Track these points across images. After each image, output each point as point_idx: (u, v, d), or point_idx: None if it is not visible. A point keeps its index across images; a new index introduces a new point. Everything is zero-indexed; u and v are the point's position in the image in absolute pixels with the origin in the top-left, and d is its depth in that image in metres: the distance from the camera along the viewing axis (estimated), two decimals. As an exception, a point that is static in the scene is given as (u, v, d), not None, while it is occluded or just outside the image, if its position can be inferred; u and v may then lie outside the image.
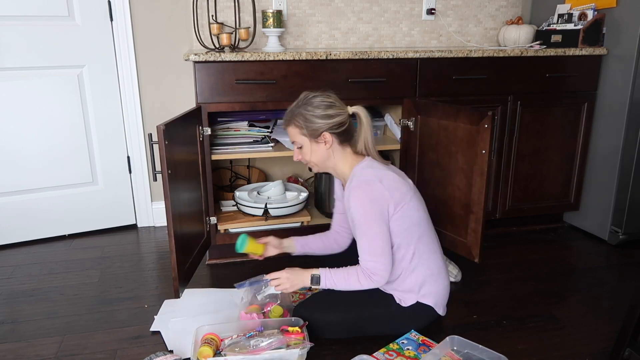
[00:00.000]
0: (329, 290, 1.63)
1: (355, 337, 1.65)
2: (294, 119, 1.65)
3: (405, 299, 1.63)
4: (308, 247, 1.91)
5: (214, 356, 1.46)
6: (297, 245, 1.90)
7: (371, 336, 1.65)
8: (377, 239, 1.55)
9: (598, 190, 2.47)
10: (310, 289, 1.84)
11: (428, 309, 1.64)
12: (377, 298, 1.65)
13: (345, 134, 1.65)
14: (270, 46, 2.27)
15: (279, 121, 2.48)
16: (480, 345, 1.51)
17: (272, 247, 1.88)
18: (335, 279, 1.58)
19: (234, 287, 1.98)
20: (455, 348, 1.55)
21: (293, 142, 1.70)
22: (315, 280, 1.59)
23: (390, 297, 1.65)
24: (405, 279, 1.62)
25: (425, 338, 1.64)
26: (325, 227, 2.28)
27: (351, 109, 1.65)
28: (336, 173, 1.73)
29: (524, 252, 2.36)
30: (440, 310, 1.68)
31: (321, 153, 1.66)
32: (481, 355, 1.50)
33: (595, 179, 2.49)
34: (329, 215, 2.34)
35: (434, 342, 1.61)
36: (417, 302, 1.63)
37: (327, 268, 1.62)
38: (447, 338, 1.54)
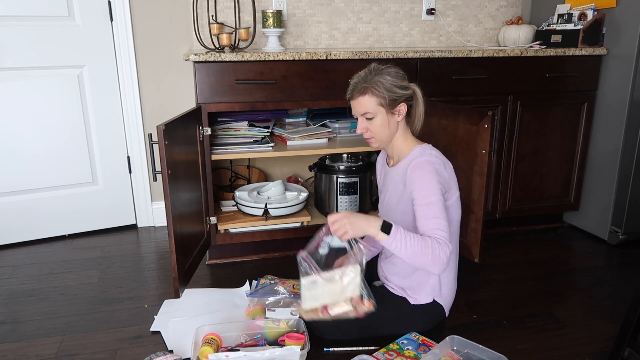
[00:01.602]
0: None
1: (362, 337, 1.64)
2: (372, 87, 1.53)
3: (421, 297, 1.63)
4: (374, 248, 1.86)
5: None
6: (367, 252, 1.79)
7: (381, 336, 1.64)
8: (443, 216, 1.48)
9: (598, 190, 2.47)
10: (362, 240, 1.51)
11: (439, 308, 1.66)
12: (389, 298, 1.65)
13: (411, 109, 1.61)
14: (270, 46, 2.27)
15: (287, 120, 2.48)
16: (480, 345, 1.51)
17: None
18: (407, 236, 1.42)
19: (233, 287, 2.00)
20: (455, 348, 1.55)
21: (363, 114, 1.57)
22: (386, 228, 1.41)
23: (403, 298, 1.65)
24: (430, 275, 1.62)
25: (425, 338, 1.64)
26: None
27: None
28: (393, 150, 1.66)
29: (524, 252, 2.36)
30: (447, 312, 1.71)
31: (392, 126, 1.59)
32: (481, 355, 1.50)
33: (595, 179, 2.49)
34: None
35: (434, 342, 1.61)
36: (433, 301, 1.63)
37: (405, 230, 1.45)
38: (447, 338, 1.54)
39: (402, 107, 1.57)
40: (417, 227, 1.52)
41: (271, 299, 1.75)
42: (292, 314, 1.63)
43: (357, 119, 1.62)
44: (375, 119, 1.57)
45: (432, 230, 1.47)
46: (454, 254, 1.70)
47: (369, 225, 1.43)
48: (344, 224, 1.42)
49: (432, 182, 1.51)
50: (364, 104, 1.56)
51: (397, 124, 1.60)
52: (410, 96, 1.59)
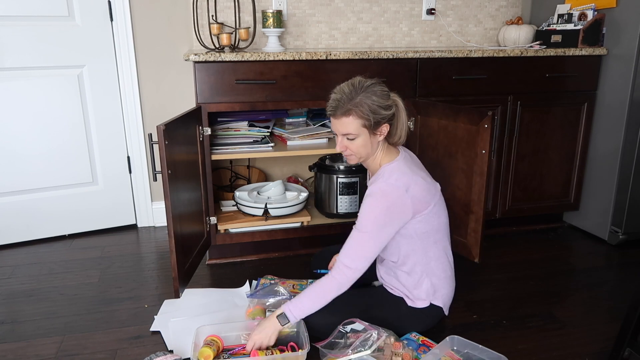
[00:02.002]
0: (340, 295, 1.60)
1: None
2: (356, 109, 1.48)
3: (418, 302, 1.64)
4: None
5: (214, 358, 1.46)
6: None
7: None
8: (370, 244, 1.51)
9: (598, 190, 2.47)
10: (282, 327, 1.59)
11: (438, 309, 1.66)
12: (388, 299, 1.65)
13: (392, 126, 1.58)
14: (270, 46, 2.27)
15: (287, 120, 2.48)
16: (480, 345, 1.51)
17: None
18: (301, 302, 1.52)
19: (233, 287, 2.00)
20: (455, 348, 1.55)
21: (345, 134, 1.53)
22: (282, 316, 1.51)
23: (401, 299, 1.65)
24: (421, 283, 1.63)
25: (425, 338, 1.64)
26: (326, 227, 2.29)
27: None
28: (369, 166, 1.65)
29: (524, 252, 2.36)
30: (446, 311, 1.70)
31: (373, 145, 1.56)
32: (481, 355, 1.50)
33: (595, 179, 2.49)
34: (329, 215, 2.35)
35: (434, 343, 1.61)
36: (430, 304, 1.64)
37: (289, 302, 1.55)
38: (447, 338, 1.54)
39: (385, 128, 1.55)
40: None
41: (271, 300, 1.75)
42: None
43: (335, 135, 1.58)
44: (356, 140, 1.53)
45: (345, 250, 1.54)
46: (444, 257, 1.66)
47: (273, 327, 1.51)
48: (256, 340, 1.50)
49: (378, 209, 1.51)
50: (347, 125, 1.51)
51: (378, 143, 1.58)
52: (392, 115, 1.55)
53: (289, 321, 1.52)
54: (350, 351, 1.48)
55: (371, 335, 1.50)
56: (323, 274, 1.77)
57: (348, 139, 1.54)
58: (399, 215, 1.52)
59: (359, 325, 1.57)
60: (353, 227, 1.57)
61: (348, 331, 1.55)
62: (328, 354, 1.50)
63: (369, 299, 1.66)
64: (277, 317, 1.52)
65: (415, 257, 1.61)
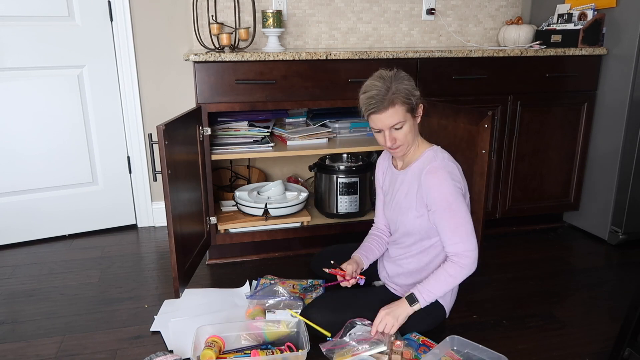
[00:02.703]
0: (339, 291, 1.60)
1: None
2: (398, 97, 1.49)
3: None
4: (372, 257, 1.83)
5: (216, 359, 1.46)
6: (364, 260, 1.81)
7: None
8: (465, 219, 1.53)
9: (598, 190, 2.47)
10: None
11: (440, 309, 1.66)
12: (390, 299, 1.65)
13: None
14: (270, 46, 2.27)
15: (287, 120, 2.48)
16: (480, 345, 1.51)
17: (355, 274, 1.76)
18: (430, 288, 1.54)
19: (233, 287, 2.00)
20: (455, 348, 1.55)
21: (393, 125, 1.52)
22: (415, 303, 1.54)
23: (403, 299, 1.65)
24: None
25: (425, 338, 1.64)
26: (326, 227, 2.29)
27: None
28: (409, 153, 1.64)
29: (524, 252, 2.36)
30: (448, 312, 1.71)
31: (416, 128, 1.59)
32: (481, 355, 1.50)
33: (595, 178, 2.49)
34: (329, 215, 2.35)
35: (434, 343, 1.61)
36: (435, 302, 1.63)
37: (417, 286, 1.56)
38: (447, 338, 1.53)
39: (420, 109, 1.59)
40: (440, 237, 1.57)
41: (271, 301, 1.75)
42: (292, 316, 1.63)
43: (377, 131, 1.56)
44: (403, 127, 1.54)
45: (450, 245, 1.54)
46: None
47: (403, 309, 1.55)
48: (388, 321, 1.53)
49: (449, 187, 1.52)
50: (394, 116, 1.51)
51: (416, 126, 1.61)
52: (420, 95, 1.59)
53: (418, 304, 1.54)
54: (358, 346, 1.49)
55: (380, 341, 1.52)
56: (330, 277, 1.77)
57: (395, 128, 1.54)
58: (462, 187, 1.56)
59: (361, 327, 1.57)
60: (438, 216, 1.54)
61: (355, 332, 1.55)
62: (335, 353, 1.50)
63: (370, 298, 1.66)
64: (406, 298, 1.55)
65: (438, 250, 1.63)
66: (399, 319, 1.53)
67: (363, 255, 1.80)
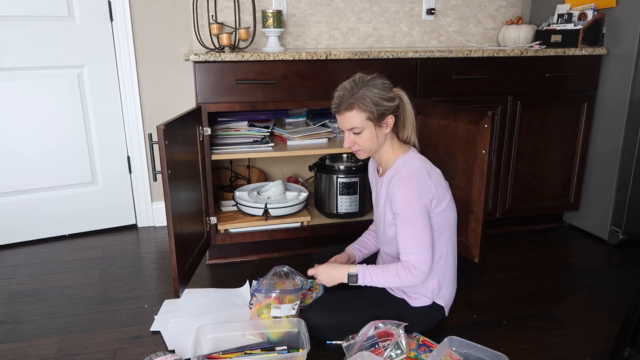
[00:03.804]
0: (339, 292, 1.61)
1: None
2: (358, 102, 1.51)
3: (421, 300, 1.64)
4: (366, 250, 1.87)
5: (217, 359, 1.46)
6: (357, 253, 1.85)
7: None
8: (422, 231, 1.52)
9: (598, 190, 2.47)
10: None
11: (439, 308, 1.66)
12: (388, 300, 1.65)
13: (398, 119, 1.61)
14: (270, 46, 2.27)
15: (287, 120, 2.48)
16: (479, 345, 1.51)
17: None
18: (373, 275, 1.56)
19: (233, 287, 2.00)
20: (454, 349, 1.55)
21: (350, 129, 1.55)
22: (352, 277, 1.57)
23: (402, 299, 1.65)
24: (429, 280, 1.62)
25: (425, 338, 1.64)
26: (326, 227, 2.29)
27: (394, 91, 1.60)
28: (381, 159, 1.66)
29: (524, 252, 2.36)
30: (447, 311, 1.70)
31: (380, 138, 1.58)
32: (480, 355, 1.50)
33: (595, 178, 2.49)
34: (329, 215, 2.35)
35: (434, 343, 1.61)
36: (432, 303, 1.64)
37: (364, 264, 1.60)
38: (446, 339, 1.53)
39: (390, 120, 1.57)
40: (398, 244, 1.57)
41: (273, 294, 1.74)
42: (293, 308, 1.64)
43: (343, 131, 1.60)
44: (363, 133, 1.55)
45: (404, 253, 1.55)
46: (452, 255, 1.68)
47: (341, 275, 1.59)
48: (321, 273, 1.62)
49: (410, 199, 1.51)
50: (351, 119, 1.54)
51: (385, 135, 1.59)
52: (397, 107, 1.58)
53: (357, 283, 1.57)
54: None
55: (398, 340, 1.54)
56: None
57: (354, 133, 1.56)
58: (428, 197, 1.54)
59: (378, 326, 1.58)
60: (397, 224, 1.55)
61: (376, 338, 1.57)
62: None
63: (368, 299, 1.66)
64: (348, 273, 1.57)
65: None
66: (333, 281, 1.60)
67: (356, 249, 1.84)
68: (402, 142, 1.66)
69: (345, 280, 1.58)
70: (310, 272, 1.65)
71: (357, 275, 1.57)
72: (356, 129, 1.55)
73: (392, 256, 1.69)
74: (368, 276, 1.56)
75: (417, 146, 1.69)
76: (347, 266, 1.60)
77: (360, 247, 1.87)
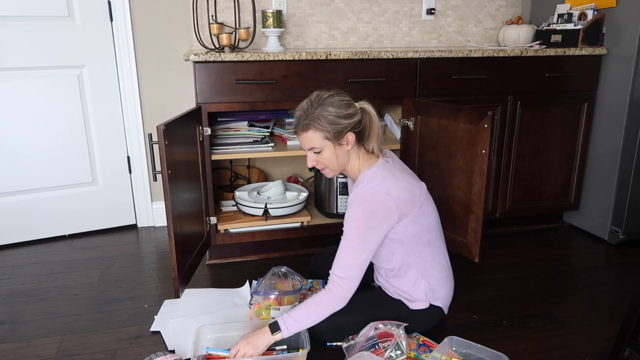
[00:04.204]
0: None
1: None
2: (314, 123, 1.50)
3: (418, 304, 1.63)
4: None
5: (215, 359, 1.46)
6: None
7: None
8: (353, 252, 1.49)
9: (598, 190, 2.47)
10: (276, 343, 1.55)
11: (437, 310, 1.66)
12: (387, 302, 1.65)
13: (361, 133, 1.58)
14: (270, 46, 2.27)
15: (287, 120, 2.48)
16: (479, 345, 1.51)
17: None
18: (296, 317, 1.49)
19: (233, 287, 2.00)
20: (454, 349, 1.55)
21: (310, 149, 1.55)
22: (275, 327, 1.48)
23: (400, 301, 1.65)
24: (419, 286, 1.62)
25: (425, 338, 1.64)
26: (326, 227, 2.30)
27: (357, 105, 1.57)
28: (349, 175, 1.65)
29: (524, 252, 2.36)
30: (446, 310, 1.70)
31: (343, 156, 1.56)
32: (480, 355, 1.50)
33: (595, 178, 2.49)
34: (329, 215, 2.35)
35: (434, 343, 1.61)
36: (430, 306, 1.64)
37: (284, 315, 1.51)
38: (446, 339, 1.53)
39: (350, 137, 1.54)
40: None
41: (272, 296, 1.74)
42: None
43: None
44: (323, 153, 1.54)
45: (334, 267, 1.52)
46: (440, 256, 1.66)
47: (264, 338, 1.49)
48: (247, 350, 1.47)
49: (357, 216, 1.49)
50: (309, 140, 1.53)
51: (348, 152, 1.57)
52: (357, 122, 1.54)
53: (281, 333, 1.49)
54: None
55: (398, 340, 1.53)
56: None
57: (315, 152, 1.55)
58: (384, 219, 1.50)
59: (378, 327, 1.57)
60: (341, 238, 1.55)
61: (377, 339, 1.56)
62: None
63: (368, 300, 1.66)
64: (269, 326, 1.50)
65: (410, 261, 1.60)
66: (259, 348, 1.47)
67: None
68: (369, 154, 1.62)
69: (272, 340, 1.48)
70: (232, 353, 1.49)
71: (279, 327, 1.48)
72: (315, 149, 1.54)
73: (385, 268, 1.68)
74: (290, 322, 1.48)
75: (382, 151, 1.65)
76: (264, 329, 1.50)
77: None
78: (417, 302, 1.63)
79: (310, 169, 2.40)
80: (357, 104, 1.57)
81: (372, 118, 1.59)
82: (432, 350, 1.56)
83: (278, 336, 1.49)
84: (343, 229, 1.54)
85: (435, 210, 1.66)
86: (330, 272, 1.53)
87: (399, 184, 1.53)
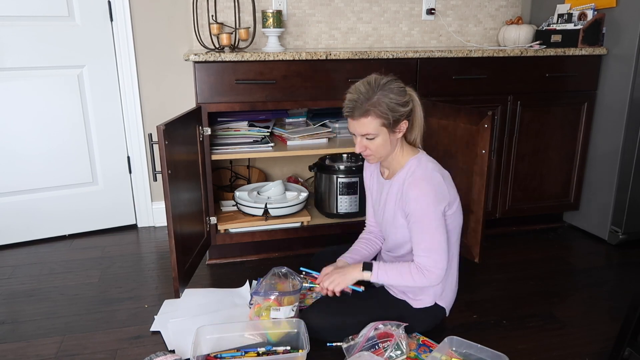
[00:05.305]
0: (340, 295, 1.59)
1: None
2: (374, 109, 1.45)
3: (423, 301, 1.63)
4: (359, 257, 1.79)
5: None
6: (350, 262, 1.78)
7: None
8: (438, 234, 1.50)
9: (598, 190, 2.47)
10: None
11: (440, 309, 1.66)
12: (390, 301, 1.65)
13: (410, 122, 1.57)
14: (270, 46, 2.27)
15: (287, 120, 2.48)
16: (479, 345, 1.51)
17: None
18: (388, 272, 1.53)
19: (233, 287, 2.00)
20: (454, 349, 1.55)
21: (364, 135, 1.50)
22: (367, 267, 1.54)
23: (403, 301, 1.65)
24: None
25: (425, 338, 1.64)
26: (326, 227, 2.29)
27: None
28: (390, 163, 1.62)
29: (524, 252, 2.36)
30: (448, 312, 1.71)
31: (393, 143, 1.54)
32: (481, 355, 1.50)
33: (595, 178, 2.49)
34: (329, 215, 2.35)
35: (434, 343, 1.61)
36: (434, 304, 1.64)
37: (379, 261, 1.58)
38: (446, 339, 1.53)
39: (404, 125, 1.53)
40: (412, 247, 1.54)
41: (272, 296, 1.74)
42: (292, 310, 1.64)
43: (352, 134, 1.55)
44: (376, 139, 1.51)
45: (418, 256, 1.52)
46: (455, 257, 1.70)
47: (355, 273, 1.56)
48: (334, 277, 1.56)
49: (427, 201, 1.49)
50: (366, 126, 1.48)
51: (397, 140, 1.56)
52: (410, 111, 1.53)
53: (370, 273, 1.54)
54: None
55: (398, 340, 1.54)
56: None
57: (367, 138, 1.51)
58: (443, 200, 1.52)
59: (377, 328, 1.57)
60: (411, 226, 1.53)
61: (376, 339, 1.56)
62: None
63: (370, 300, 1.66)
64: (363, 263, 1.55)
65: None
66: (347, 278, 1.55)
67: (349, 258, 1.76)
68: (409, 144, 1.63)
69: (359, 277, 1.55)
70: (321, 278, 1.59)
71: (371, 270, 1.54)
72: (370, 135, 1.50)
73: (401, 260, 1.68)
74: (382, 273, 1.54)
75: (420, 147, 1.67)
76: (356, 265, 1.58)
77: (352, 256, 1.79)
78: (423, 299, 1.63)
79: (310, 168, 2.40)
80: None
81: (417, 108, 1.57)
82: (432, 350, 1.56)
83: (367, 275, 1.54)
84: (411, 215, 1.51)
85: (462, 214, 1.68)
86: (416, 261, 1.52)
87: (446, 173, 1.59)
